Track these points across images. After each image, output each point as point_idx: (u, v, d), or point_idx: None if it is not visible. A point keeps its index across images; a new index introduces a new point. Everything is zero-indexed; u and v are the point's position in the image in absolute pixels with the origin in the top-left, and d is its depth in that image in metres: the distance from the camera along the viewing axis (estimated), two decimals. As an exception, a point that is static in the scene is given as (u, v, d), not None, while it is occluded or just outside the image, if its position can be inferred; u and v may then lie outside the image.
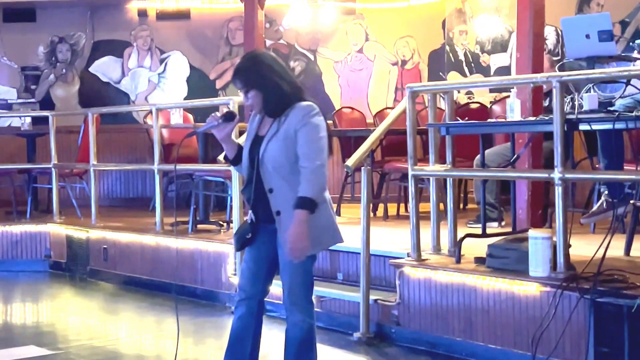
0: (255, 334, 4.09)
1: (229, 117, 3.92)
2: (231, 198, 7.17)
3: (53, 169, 9.05)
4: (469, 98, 10.05)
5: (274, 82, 3.82)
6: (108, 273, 8.17)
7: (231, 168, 4.14)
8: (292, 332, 4.01)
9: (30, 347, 5.75)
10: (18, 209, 9.25)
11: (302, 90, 3.93)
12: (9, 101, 10.80)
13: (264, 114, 3.92)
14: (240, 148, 3.99)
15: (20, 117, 10.02)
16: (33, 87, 10.81)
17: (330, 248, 6.46)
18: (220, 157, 5.17)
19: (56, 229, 8.88)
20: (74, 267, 8.61)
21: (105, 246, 8.22)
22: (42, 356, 5.53)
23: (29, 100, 10.62)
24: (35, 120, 9.82)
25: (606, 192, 5.74)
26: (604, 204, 5.72)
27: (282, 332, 6.01)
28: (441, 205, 5.96)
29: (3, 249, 8.87)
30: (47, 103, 10.76)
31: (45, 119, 9.23)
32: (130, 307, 7.08)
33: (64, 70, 10.95)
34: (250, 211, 3.97)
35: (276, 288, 6.46)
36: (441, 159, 5.84)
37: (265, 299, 6.45)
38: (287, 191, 3.79)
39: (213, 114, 3.97)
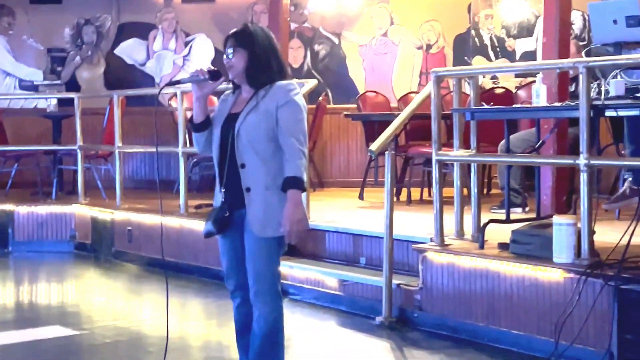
0: None
1: (215, 74, 3.76)
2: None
3: (78, 151, 9.11)
4: (494, 83, 10.01)
5: (263, 51, 3.74)
6: (132, 254, 8.22)
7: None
8: (256, 325, 3.77)
9: (55, 327, 5.80)
10: (44, 190, 9.33)
11: (287, 75, 3.84)
12: (35, 83, 10.87)
13: (240, 92, 3.82)
14: (208, 117, 3.84)
15: (46, 98, 10.10)
16: (59, 68, 10.87)
17: (354, 232, 6.51)
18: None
19: (81, 210, 8.94)
20: (99, 248, 8.68)
21: (129, 228, 8.28)
22: (67, 336, 5.59)
23: (55, 82, 10.68)
24: (61, 102, 9.90)
25: (630, 178, 5.71)
26: (627, 190, 5.68)
27: (306, 315, 6.09)
28: (465, 190, 5.94)
29: (29, 229, 8.96)
30: (72, 85, 10.82)
31: (71, 100, 9.28)
32: (154, 289, 7.13)
33: (89, 52, 11.00)
34: (217, 197, 3.82)
35: (299, 271, 6.53)
36: (465, 144, 5.82)
37: (289, 282, 6.57)
38: (259, 167, 3.67)
39: (200, 68, 3.78)
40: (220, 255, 3.93)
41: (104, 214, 8.63)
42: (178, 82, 4.00)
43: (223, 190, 3.77)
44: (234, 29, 3.84)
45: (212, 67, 3.83)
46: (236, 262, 3.85)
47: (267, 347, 3.77)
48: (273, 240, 3.72)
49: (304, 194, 3.70)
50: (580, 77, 4.80)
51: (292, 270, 6.58)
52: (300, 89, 3.79)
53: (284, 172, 3.64)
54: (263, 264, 3.73)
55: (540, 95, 5.68)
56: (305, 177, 3.67)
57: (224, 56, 3.83)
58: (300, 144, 3.65)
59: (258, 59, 3.74)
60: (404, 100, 9.06)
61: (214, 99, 7.90)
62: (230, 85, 3.91)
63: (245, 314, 3.90)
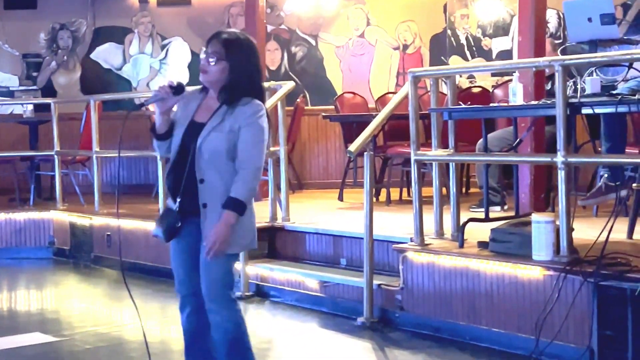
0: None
1: (179, 89, 3.72)
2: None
3: (56, 156, 9.05)
4: (470, 82, 10.04)
5: (246, 71, 3.68)
6: (112, 260, 8.18)
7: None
8: (217, 335, 3.74)
9: (35, 334, 5.77)
10: (21, 197, 9.26)
11: (263, 94, 3.80)
12: (10, 88, 10.79)
13: (206, 96, 3.76)
14: (172, 124, 3.80)
15: (22, 104, 10.02)
16: (34, 74, 10.81)
17: (334, 233, 6.51)
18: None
19: (60, 216, 8.89)
20: (78, 254, 8.63)
21: (108, 233, 8.24)
22: (47, 343, 5.55)
23: (31, 88, 10.61)
24: (37, 108, 9.83)
25: (606, 175, 5.74)
26: (603, 187, 5.73)
27: (287, 317, 6.09)
28: (444, 190, 5.96)
29: (7, 236, 8.89)
30: (48, 90, 10.75)
31: (47, 106, 9.23)
32: (134, 294, 7.00)
33: (65, 57, 10.94)
34: (170, 200, 3.77)
35: (279, 273, 6.52)
36: (444, 144, 5.84)
37: (270, 284, 6.56)
38: (217, 184, 3.63)
39: (162, 86, 3.73)
40: (171, 260, 3.88)
41: (83, 220, 8.58)
42: (142, 105, 4.00)
43: (179, 199, 3.71)
44: (229, 33, 3.75)
45: (174, 82, 3.76)
46: (189, 268, 3.80)
47: (235, 354, 3.74)
48: (228, 255, 3.69)
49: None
50: (556, 75, 4.82)
51: (272, 272, 6.57)
52: (265, 110, 3.72)
53: (230, 192, 3.60)
54: (216, 275, 3.70)
55: (516, 93, 5.71)
56: (248, 202, 3.64)
57: (202, 54, 3.75)
58: (255, 168, 3.63)
59: (239, 78, 3.68)
60: (382, 100, 9.08)
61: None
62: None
63: (197, 322, 3.83)
